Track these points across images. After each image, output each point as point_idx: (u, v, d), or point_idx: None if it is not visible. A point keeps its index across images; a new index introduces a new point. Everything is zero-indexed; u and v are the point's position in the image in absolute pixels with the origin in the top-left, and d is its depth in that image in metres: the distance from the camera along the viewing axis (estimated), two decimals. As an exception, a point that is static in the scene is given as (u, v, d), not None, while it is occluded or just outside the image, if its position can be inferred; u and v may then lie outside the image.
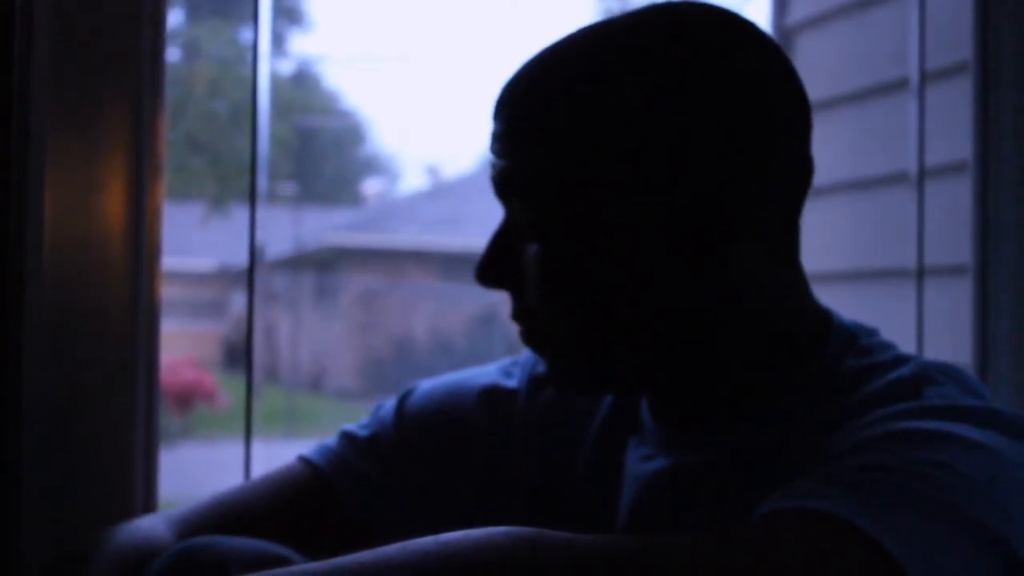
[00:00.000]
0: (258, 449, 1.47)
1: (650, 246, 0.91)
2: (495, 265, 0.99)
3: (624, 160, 0.90)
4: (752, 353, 0.95)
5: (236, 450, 1.50)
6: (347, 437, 1.15)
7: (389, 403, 1.17)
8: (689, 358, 0.95)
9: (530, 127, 0.93)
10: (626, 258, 0.92)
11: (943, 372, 0.93)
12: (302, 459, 1.15)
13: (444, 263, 13.70)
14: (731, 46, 0.92)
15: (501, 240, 0.99)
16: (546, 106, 0.92)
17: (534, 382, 1.13)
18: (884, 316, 2.01)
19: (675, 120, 0.90)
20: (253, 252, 1.51)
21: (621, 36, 0.93)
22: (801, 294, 0.99)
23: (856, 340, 0.98)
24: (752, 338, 0.95)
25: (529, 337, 1.00)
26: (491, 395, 1.14)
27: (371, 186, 21.94)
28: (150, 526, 1.09)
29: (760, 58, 0.93)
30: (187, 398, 11.83)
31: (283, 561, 1.00)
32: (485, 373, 1.16)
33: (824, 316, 1.00)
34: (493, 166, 0.97)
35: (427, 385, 1.17)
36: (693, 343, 0.94)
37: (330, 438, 1.16)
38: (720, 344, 0.95)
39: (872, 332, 1.00)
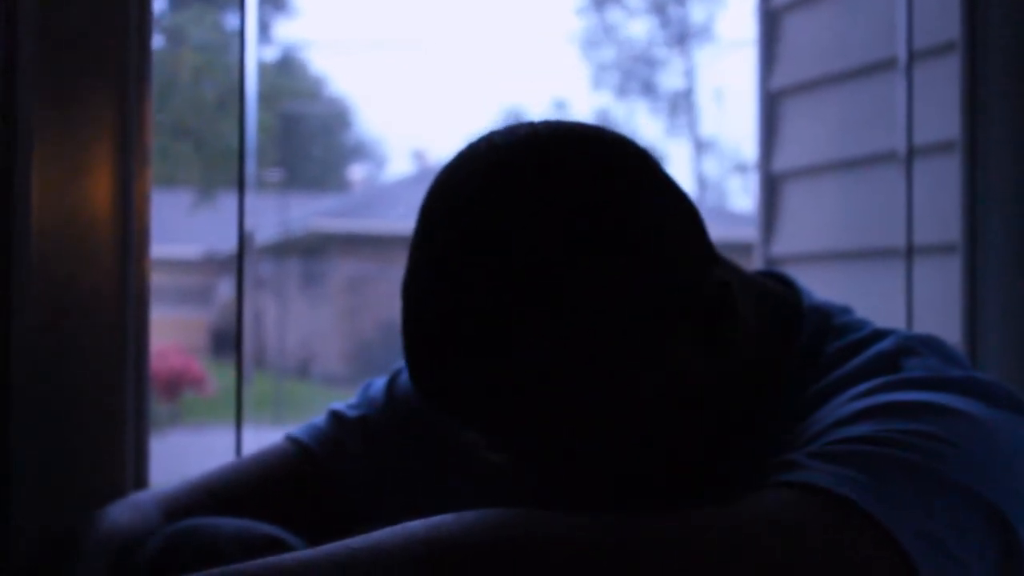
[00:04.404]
0: (247, 435, 1.47)
1: (693, 343, 0.87)
2: (564, 478, 0.90)
3: (632, 307, 0.85)
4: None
5: (225, 436, 1.49)
6: (336, 417, 1.15)
7: (379, 382, 1.16)
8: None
9: (535, 351, 0.83)
10: (684, 365, 0.87)
11: (924, 343, 0.92)
12: (291, 438, 1.15)
13: (431, 248, 13.62)
14: (626, 164, 0.88)
15: (550, 461, 0.89)
16: (548, 314, 0.83)
17: None
18: (874, 296, 2.01)
19: (649, 247, 0.86)
20: (242, 239, 1.50)
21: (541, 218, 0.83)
22: (756, 296, 0.95)
23: (829, 320, 0.96)
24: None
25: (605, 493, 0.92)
26: None
27: (357, 171, 21.95)
28: (139, 506, 1.09)
29: (649, 160, 0.90)
30: (176, 385, 11.83)
31: (274, 541, 0.99)
32: None
33: (792, 303, 0.97)
34: (499, 427, 0.88)
35: None
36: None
37: (319, 417, 1.16)
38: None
39: (846, 310, 0.99)
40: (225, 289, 16.31)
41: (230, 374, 1.53)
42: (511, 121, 0.92)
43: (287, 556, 0.73)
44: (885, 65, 1.97)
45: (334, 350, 15.95)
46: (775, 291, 0.97)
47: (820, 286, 1.02)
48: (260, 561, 0.72)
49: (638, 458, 0.88)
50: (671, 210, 0.88)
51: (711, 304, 0.87)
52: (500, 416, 0.86)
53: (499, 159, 0.86)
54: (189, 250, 16.01)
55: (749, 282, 0.94)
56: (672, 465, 0.90)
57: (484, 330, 0.82)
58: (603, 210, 0.84)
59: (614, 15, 19.47)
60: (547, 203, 0.83)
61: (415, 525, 0.73)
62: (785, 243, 2.41)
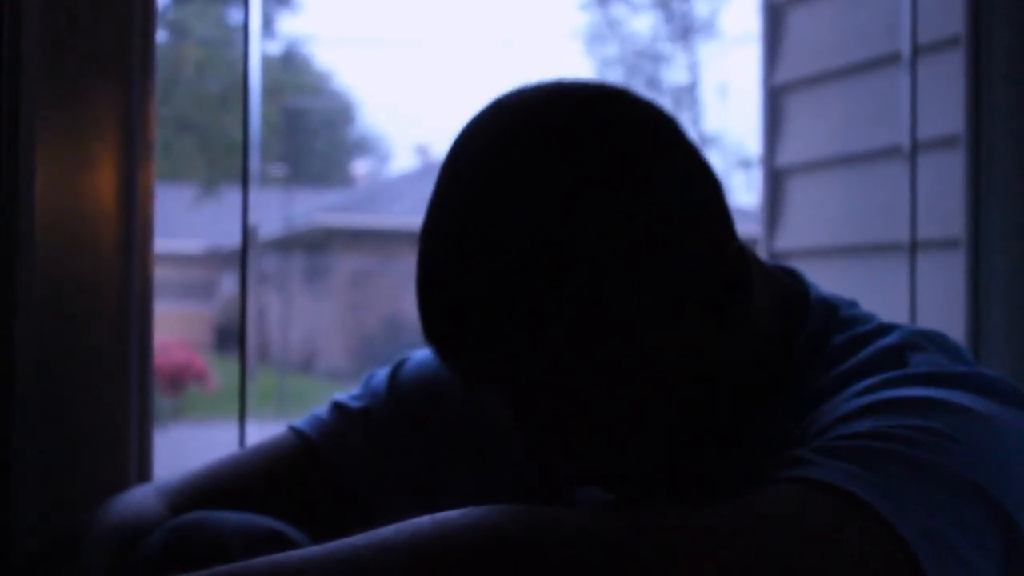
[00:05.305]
0: (250, 430, 1.47)
1: (703, 321, 0.87)
2: (573, 453, 0.88)
3: (646, 271, 0.85)
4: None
5: (228, 431, 1.49)
6: (339, 408, 1.15)
7: (381, 373, 1.16)
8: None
9: (545, 317, 0.83)
10: (693, 344, 0.87)
11: (929, 339, 0.92)
12: (294, 430, 1.15)
13: (435, 243, 13.63)
14: (647, 136, 0.88)
15: (554, 432, 0.87)
16: (560, 278, 0.83)
17: None
18: (877, 291, 2.01)
19: (664, 216, 0.85)
20: (246, 234, 1.50)
21: (563, 171, 0.83)
22: (766, 282, 0.94)
23: (836, 313, 0.96)
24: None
25: (614, 478, 0.91)
26: None
27: (361, 166, 21.97)
28: (142, 499, 1.09)
29: (672, 127, 0.90)
30: (179, 379, 11.84)
31: (277, 536, 0.99)
32: None
33: (799, 294, 0.97)
34: (505, 382, 0.87)
35: (420, 356, 1.16)
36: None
37: (321, 408, 1.16)
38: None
39: (852, 303, 0.99)
40: (228, 284, 16.34)
41: (233, 369, 1.53)
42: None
43: (292, 554, 0.72)
44: (889, 60, 1.97)
45: (337, 345, 15.97)
46: (783, 281, 0.97)
47: (824, 281, 1.01)
48: (265, 558, 0.72)
49: (642, 451, 0.88)
50: (691, 185, 0.88)
51: (724, 284, 0.87)
52: (507, 406, 0.87)
53: (516, 126, 0.86)
54: (192, 245, 16.04)
55: (759, 269, 0.94)
56: (676, 458, 0.90)
57: (486, 321, 0.83)
58: (619, 185, 0.84)
59: (618, 10, 19.48)
60: (559, 180, 0.83)
61: (420, 522, 0.73)
62: (789, 238, 2.41)
